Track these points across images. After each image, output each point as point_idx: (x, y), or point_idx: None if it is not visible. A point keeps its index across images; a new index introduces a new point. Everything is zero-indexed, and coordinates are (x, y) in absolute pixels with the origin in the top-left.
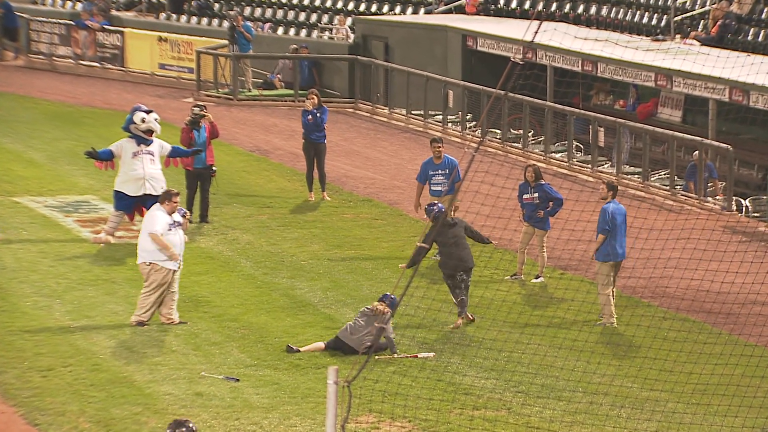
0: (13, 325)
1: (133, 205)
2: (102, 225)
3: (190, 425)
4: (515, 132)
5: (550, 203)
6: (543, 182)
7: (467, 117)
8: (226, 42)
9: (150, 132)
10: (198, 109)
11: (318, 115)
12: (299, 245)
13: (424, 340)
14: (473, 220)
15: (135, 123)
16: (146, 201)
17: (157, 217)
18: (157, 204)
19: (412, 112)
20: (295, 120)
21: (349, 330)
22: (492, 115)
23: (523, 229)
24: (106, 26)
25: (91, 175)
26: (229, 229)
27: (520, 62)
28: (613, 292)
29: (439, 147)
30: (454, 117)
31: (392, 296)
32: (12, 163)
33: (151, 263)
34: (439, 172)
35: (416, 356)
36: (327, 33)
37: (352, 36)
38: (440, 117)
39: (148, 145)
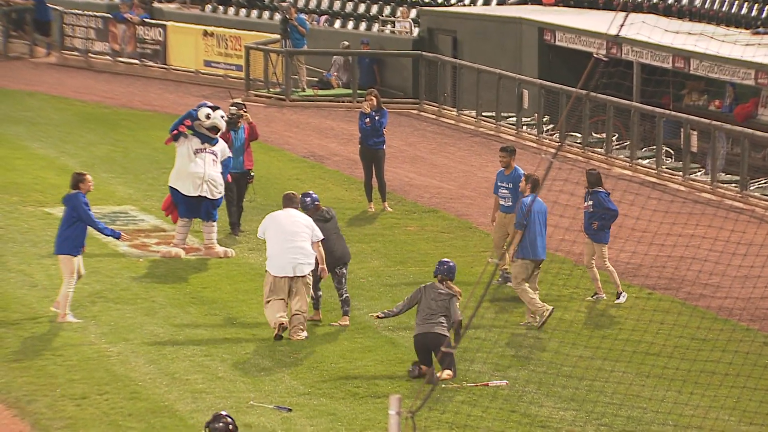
0: (44, 349)
1: (187, 207)
2: (144, 238)
3: (228, 419)
4: (597, 136)
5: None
6: (600, 190)
7: (544, 119)
8: (277, 37)
9: (215, 130)
10: (235, 108)
11: (377, 118)
12: (357, 261)
13: (496, 366)
14: (551, 233)
15: (199, 119)
16: (200, 204)
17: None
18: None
19: (483, 113)
20: (353, 123)
21: (423, 316)
22: (572, 118)
23: (585, 240)
24: (146, 20)
25: (130, 184)
26: None
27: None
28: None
29: (503, 156)
30: (529, 119)
31: (449, 262)
32: (43, 170)
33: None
34: (505, 184)
35: (487, 384)
36: (389, 26)
37: (416, 30)
38: (514, 119)
39: (213, 144)
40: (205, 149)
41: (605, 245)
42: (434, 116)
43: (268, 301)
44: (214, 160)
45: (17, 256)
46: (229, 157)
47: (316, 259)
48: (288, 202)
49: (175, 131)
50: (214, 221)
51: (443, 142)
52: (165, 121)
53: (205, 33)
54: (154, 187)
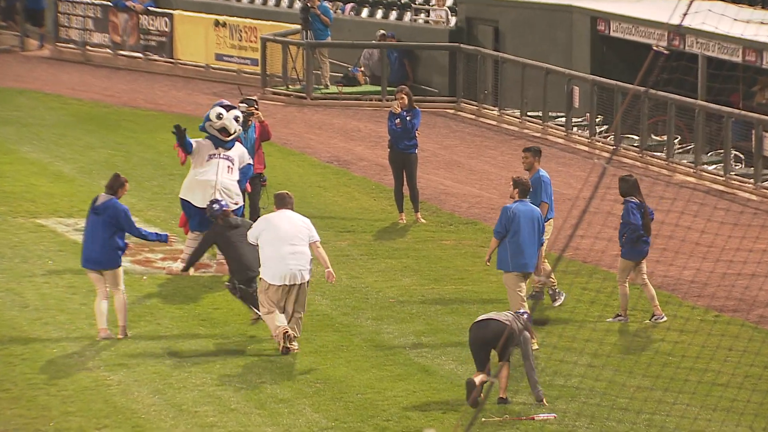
0: (36, 378)
1: (199, 219)
2: (148, 253)
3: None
4: (657, 138)
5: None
6: (631, 199)
7: (597, 120)
8: (298, 27)
9: (225, 132)
10: (245, 105)
11: (408, 118)
12: (386, 279)
13: (545, 397)
14: (605, 247)
15: (210, 120)
16: None
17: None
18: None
19: (528, 113)
20: (382, 124)
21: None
22: (628, 118)
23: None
24: (151, 8)
25: (132, 192)
26: None
27: (665, 51)
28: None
29: (527, 157)
30: (580, 119)
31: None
32: (35, 176)
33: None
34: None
35: (533, 418)
36: (422, 15)
37: (453, 19)
38: (563, 120)
39: (228, 149)
40: (219, 154)
41: (630, 261)
42: (473, 116)
43: (271, 311)
44: (229, 167)
45: (5, 274)
46: (249, 164)
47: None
48: (281, 203)
49: (176, 144)
50: None
51: (483, 145)
52: (171, 122)
53: (217, 23)
54: (159, 196)
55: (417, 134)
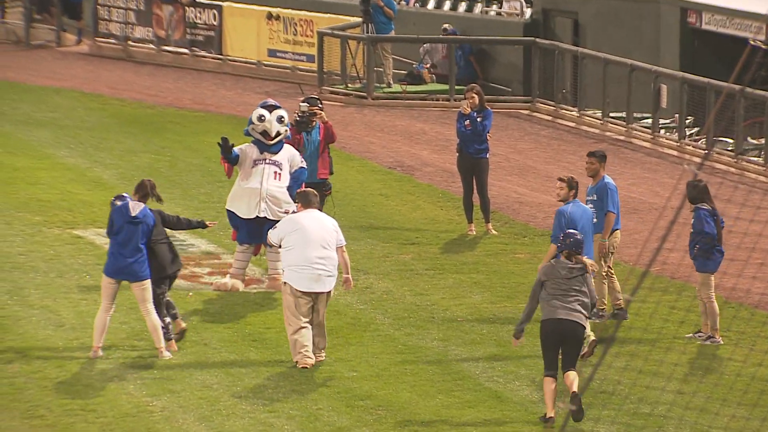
0: (72, 403)
1: (247, 230)
2: (194, 267)
3: None
4: (754, 142)
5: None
6: (703, 206)
7: (687, 121)
8: (358, 20)
9: (267, 135)
10: (307, 104)
11: (479, 120)
12: (455, 296)
13: (628, 427)
14: (680, 259)
15: (253, 123)
16: (262, 226)
17: None
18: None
19: (610, 114)
20: (450, 125)
21: (559, 304)
22: (722, 119)
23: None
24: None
25: (177, 200)
26: (361, 273)
27: (763, 46)
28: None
29: (592, 162)
30: (668, 121)
31: (575, 234)
32: (72, 183)
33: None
34: (590, 197)
35: None
36: (494, 7)
37: (528, 11)
38: (649, 121)
39: (274, 153)
40: (265, 159)
41: (709, 274)
42: (550, 117)
43: (297, 329)
44: (276, 173)
45: (40, 290)
46: (302, 168)
47: None
48: (308, 202)
49: (222, 158)
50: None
51: (561, 149)
52: (221, 124)
53: (270, 16)
54: (206, 205)
55: (488, 137)
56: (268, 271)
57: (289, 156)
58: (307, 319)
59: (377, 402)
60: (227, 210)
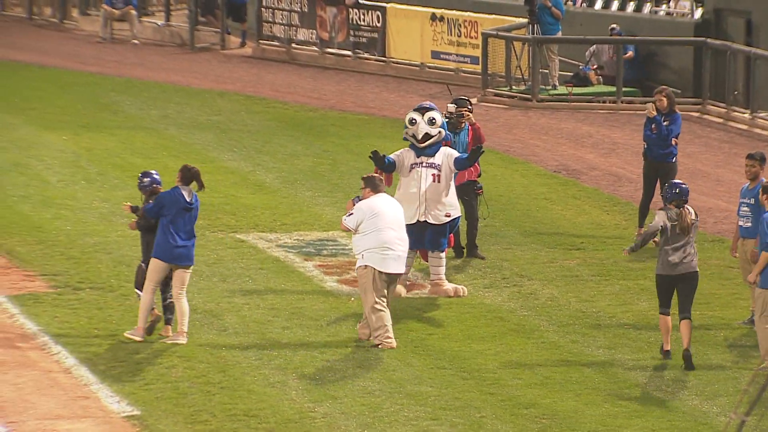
0: (235, 408)
1: (414, 237)
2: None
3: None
4: None
5: None
6: None
7: None
8: (523, 21)
9: (418, 138)
10: (454, 105)
11: (665, 124)
12: (622, 303)
13: None
14: None
15: (406, 126)
16: (423, 231)
17: None
18: None
19: None
20: (616, 128)
21: (677, 259)
22: None
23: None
24: (361, 1)
25: (339, 205)
26: (525, 278)
27: None
28: None
29: (752, 165)
30: None
31: (681, 184)
32: (235, 187)
33: None
34: (747, 200)
35: None
36: (663, 7)
37: (698, 11)
38: None
39: (430, 156)
40: (422, 163)
41: None
42: (721, 120)
43: (379, 312)
44: (434, 175)
45: (203, 294)
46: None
47: None
48: (376, 186)
49: (379, 171)
50: (442, 251)
51: (733, 152)
52: (383, 128)
53: (434, 17)
54: None
55: (675, 142)
56: (430, 277)
57: (446, 154)
58: (386, 301)
59: (542, 410)
60: None
